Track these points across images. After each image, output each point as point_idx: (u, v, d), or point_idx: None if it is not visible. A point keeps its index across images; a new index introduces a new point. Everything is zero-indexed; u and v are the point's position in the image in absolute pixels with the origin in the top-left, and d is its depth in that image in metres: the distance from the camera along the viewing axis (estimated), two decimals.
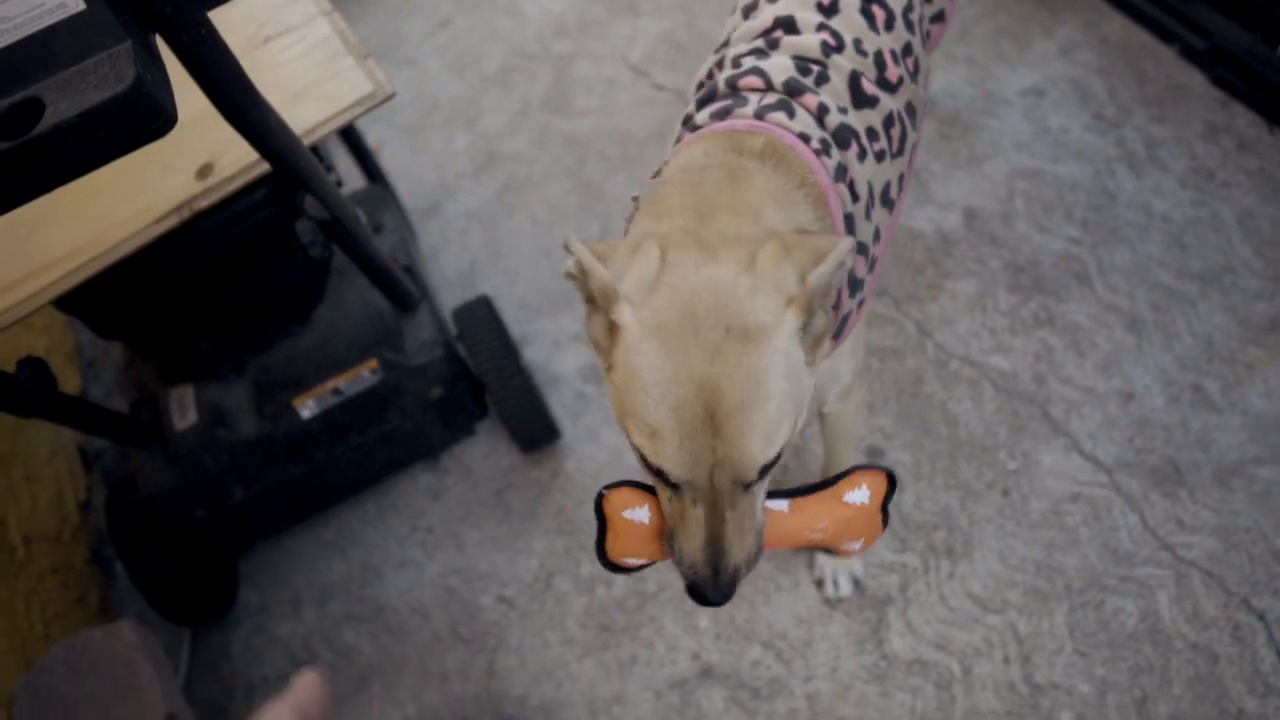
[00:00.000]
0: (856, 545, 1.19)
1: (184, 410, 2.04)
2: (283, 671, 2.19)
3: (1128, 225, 2.35)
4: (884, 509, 1.17)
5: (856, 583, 2.03)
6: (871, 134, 1.36)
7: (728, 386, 1.00)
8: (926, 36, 1.64)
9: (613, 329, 1.07)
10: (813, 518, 1.16)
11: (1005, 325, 2.26)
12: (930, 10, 1.65)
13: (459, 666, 2.11)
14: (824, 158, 1.26)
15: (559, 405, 2.35)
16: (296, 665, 2.19)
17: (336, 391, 1.99)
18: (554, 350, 2.45)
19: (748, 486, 1.07)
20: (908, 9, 1.52)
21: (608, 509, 1.15)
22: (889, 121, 1.39)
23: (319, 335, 2.03)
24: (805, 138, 1.26)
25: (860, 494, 1.16)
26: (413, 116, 3.05)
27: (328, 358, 2.01)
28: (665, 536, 1.14)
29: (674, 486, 1.08)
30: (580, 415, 2.34)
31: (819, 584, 2.04)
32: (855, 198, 1.30)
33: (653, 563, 1.19)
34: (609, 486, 1.16)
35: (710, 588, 1.10)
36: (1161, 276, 2.27)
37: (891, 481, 1.16)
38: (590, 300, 1.09)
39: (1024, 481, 2.07)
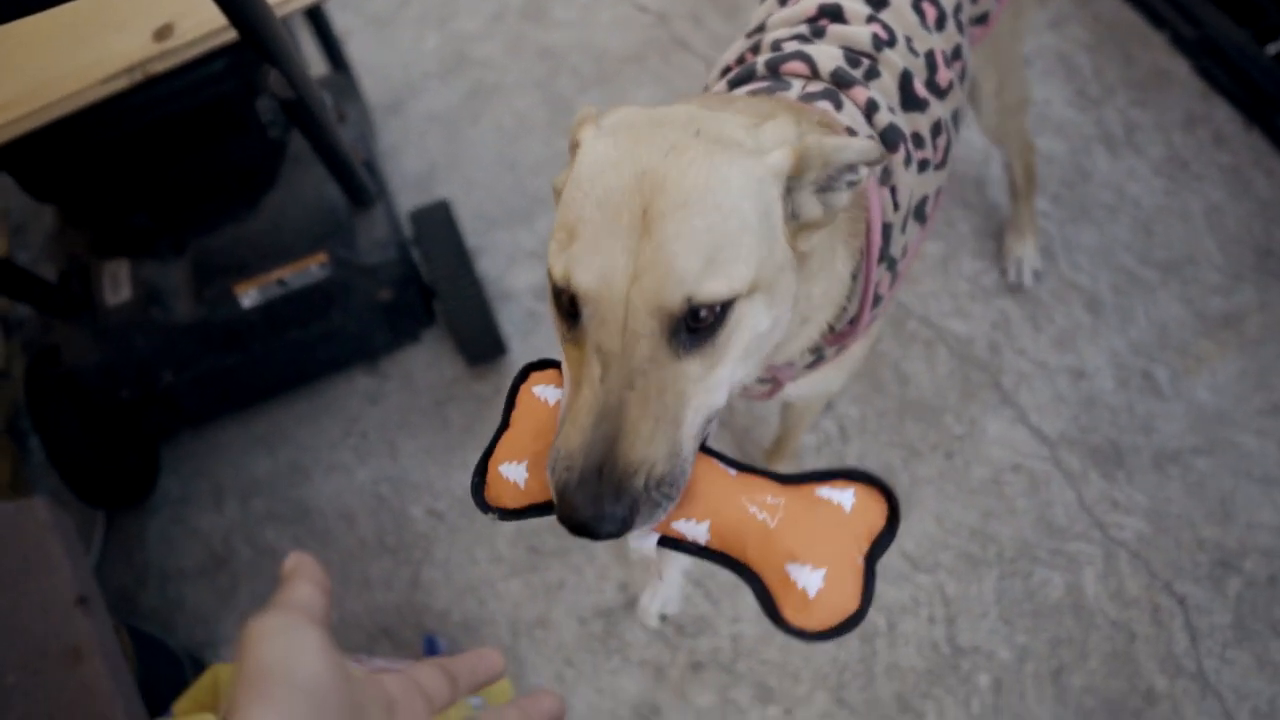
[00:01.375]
0: (809, 578, 0.73)
1: (117, 285, 1.94)
2: (200, 564, 2.14)
3: (1098, 205, 2.34)
4: (870, 561, 0.75)
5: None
6: (917, 140, 1.24)
7: (674, 179, 0.82)
8: None
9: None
10: (761, 489, 0.79)
11: (966, 290, 2.25)
12: (975, 11, 1.49)
13: (383, 576, 2.07)
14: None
15: (509, 322, 2.29)
16: (215, 558, 2.14)
17: (281, 283, 1.91)
18: (508, 265, 2.39)
19: (674, 339, 0.82)
20: (958, 9, 1.39)
21: (521, 389, 0.90)
22: (936, 130, 1.27)
23: (267, 222, 1.94)
24: (852, 133, 1.13)
25: (841, 495, 0.77)
26: (384, 7, 2.93)
27: (275, 247, 1.92)
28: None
29: (574, 326, 0.85)
30: (529, 334, 2.29)
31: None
32: (896, 206, 1.17)
33: (536, 507, 0.84)
34: (537, 363, 0.92)
35: (586, 493, 0.76)
36: (1125, 260, 2.27)
37: (893, 515, 0.76)
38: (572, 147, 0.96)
39: (968, 447, 2.08)
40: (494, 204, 2.48)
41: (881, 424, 2.11)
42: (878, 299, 1.21)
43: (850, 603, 0.73)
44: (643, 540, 0.81)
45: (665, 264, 0.80)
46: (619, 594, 1.99)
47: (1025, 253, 2.22)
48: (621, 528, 0.77)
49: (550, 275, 0.86)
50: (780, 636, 1.91)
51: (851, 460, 2.07)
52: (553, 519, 0.81)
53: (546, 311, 2.30)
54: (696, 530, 0.79)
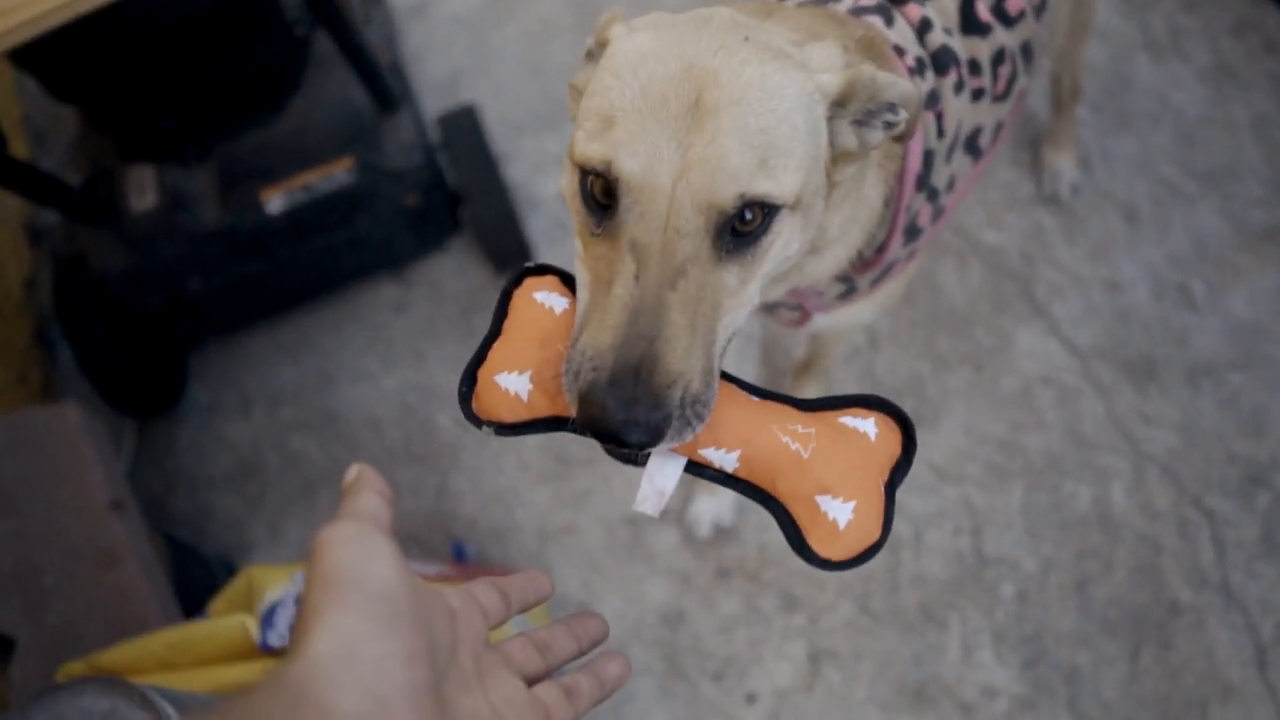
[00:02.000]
0: (840, 511, 0.73)
1: (142, 191, 1.93)
2: (229, 471, 2.16)
3: (1139, 114, 2.28)
4: (890, 489, 0.76)
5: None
6: (974, 67, 1.16)
7: (728, 75, 0.77)
8: None
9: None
10: (790, 416, 0.77)
11: (1000, 200, 2.20)
12: None
13: (410, 483, 2.09)
14: (916, 78, 1.08)
15: (535, 230, 2.27)
16: (243, 466, 2.16)
17: (307, 188, 1.89)
18: (535, 172, 2.35)
19: (719, 240, 0.77)
20: None
21: (516, 294, 0.83)
22: (998, 58, 1.19)
23: (292, 126, 1.91)
24: (900, 51, 1.08)
25: (864, 424, 0.77)
26: None
27: (300, 151, 1.90)
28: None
29: (606, 218, 0.79)
30: (556, 243, 2.26)
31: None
32: (941, 133, 1.11)
33: (536, 423, 0.79)
34: (533, 267, 0.85)
35: (619, 395, 0.70)
36: (1165, 171, 2.21)
37: (909, 442, 0.78)
38: (589, 54, 0.93)
39: (998, 359, 2.05)
40: (520, 109, 2.44)
41: (912, 335, 2.08)
42: (916, 231, 1.16)
43: (873, 532, 0.73)
44: (666, 463, 0.77)
45: (719, 158, 0.75)
46: None
47: (1063, 165, 2.17)
48: (652, 438, 0.71)
49: (576, 161, 0.81)
50: None
51: (881, 371, 2.05)
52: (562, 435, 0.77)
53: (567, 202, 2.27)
54: (725, 459, 0.76)
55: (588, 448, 2.05)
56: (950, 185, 1.18)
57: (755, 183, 0.77)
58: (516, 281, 0.84)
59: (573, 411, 0.75)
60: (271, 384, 2.24)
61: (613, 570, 1.95)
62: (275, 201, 1.89)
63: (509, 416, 0.78)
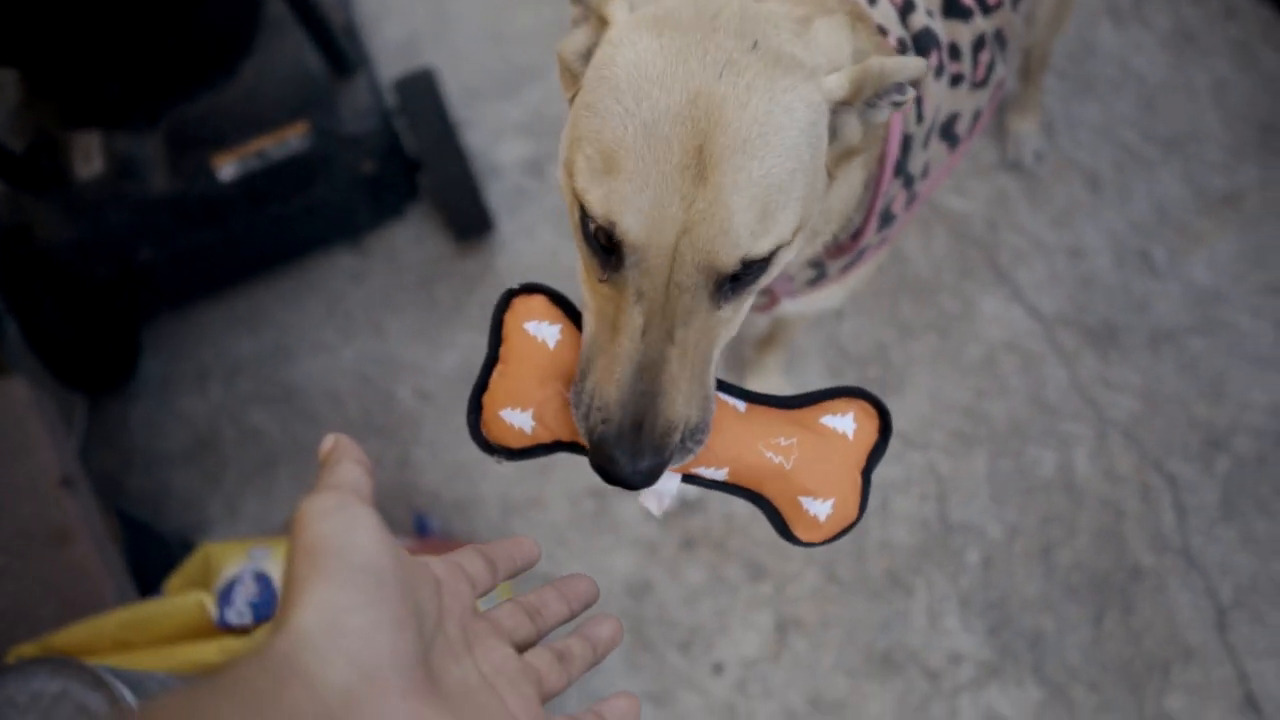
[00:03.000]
0: (820, 508, 0.81)
1: (88, 158, 1.86)
2: (186, 447, 2.11)
3: (1102, 80, 2.28)
4: (866, 473, 0.83)
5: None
6: (954, 51, 1.13)
7: (733, 110, 0.75)
8: None
9: (598, 34, 0.84)
10: (773, 429, 0.82)
11: (965, 167, 2.20)
12: None
13: (371, 456, 2.01)
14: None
15: (496, 197, 2.23)
16: (200, 441, 2.11)
17: (260, 154, 1.84)
18: (495, 139, 2.31)
19: (717, 292, 0.80)
20: None
21: (508, 319, 0.83)
22: (979, 44, 1.16)
23: (244, 91, 1.85)
24: (883, 31, 1.03)
25: (843, 423, 0.82)
26: None
27: (253, 116, 1.84)
28: (572, 380, 0.82)
29: (610, 267, 0.80)
30: (517, 210, 2.23)
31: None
32: (920, 118, 1.08)
33: (541, 447, 0.82)
34: (520, 288, 0.84)
35: (626, 448, 0.76)
36: (1127, 136, 2.21)
37: (885, 428, 0.83)
38: (575, 20, 0.89)
39: (962, 325, 2.05)
40: (479, 76, 2.39)
41: (877, 303, 2.08)
42: (890, 217, 1.14)
43: (850, 514, 0.81)
44: (665, 481, 0.82)
45: (722, 219, 0.75)
46: None
47: (1027, 131, 2.16)
48: (654, 479, 0.78)
49: (577, 196, 0.80)
50: None
51: (846, 339, 2.04)
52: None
53: (536, 187, 2.24)
54: (715, 473, 0.82)
55: None
56: (925, 172, 1.16)
57: (757, 244, 0.78)
58: (506, 304, 0.84)
59: (583, 442, 0.80)
60: (227, 357, 2.19)
61: (578, 542, 1.93)
62: (228, 168, 1.84)
63: (515, 444, 0.82)
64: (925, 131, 1.11)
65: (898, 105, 0.86)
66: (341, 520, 0.55)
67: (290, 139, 1.83)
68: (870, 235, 1.12)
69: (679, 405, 0.77)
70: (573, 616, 0.73)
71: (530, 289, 0.84)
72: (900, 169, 1.09)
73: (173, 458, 2.11)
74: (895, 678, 1.81)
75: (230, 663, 0.50)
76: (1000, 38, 1.23)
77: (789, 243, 0.82)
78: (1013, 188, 2.17)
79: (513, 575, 0.72)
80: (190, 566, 1.54)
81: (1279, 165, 2.17)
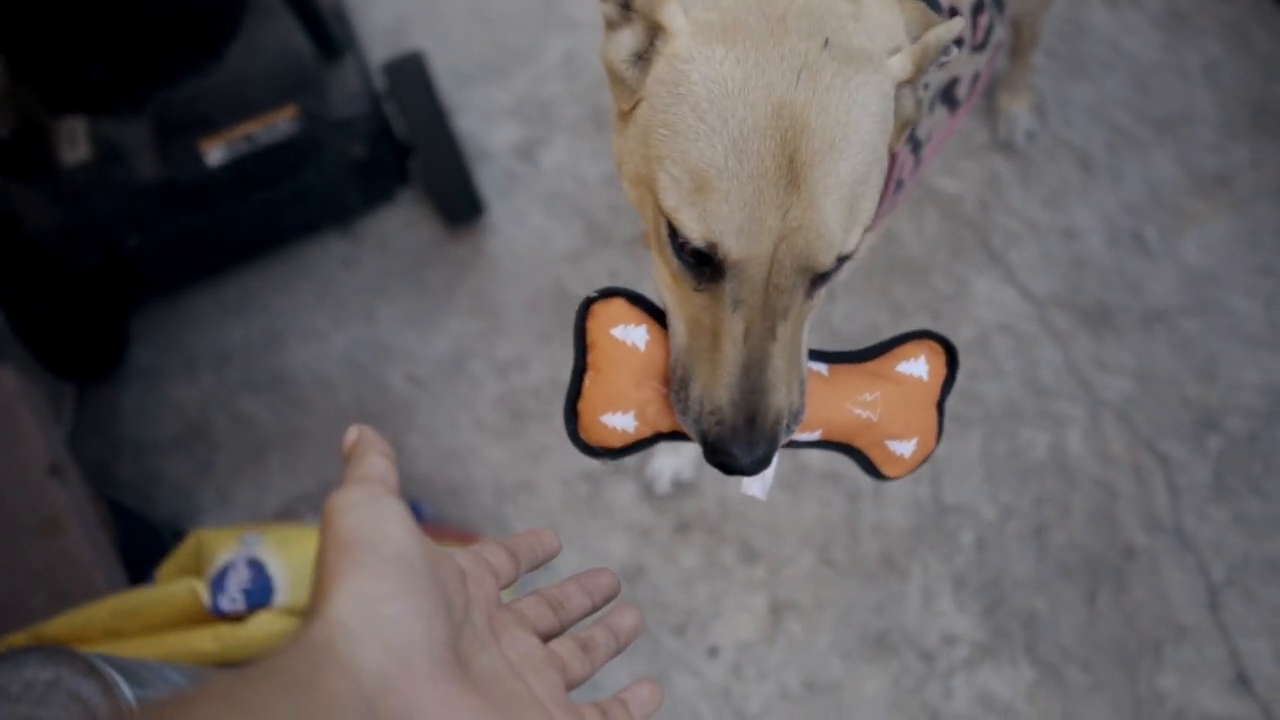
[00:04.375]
0: (905, 448, 0.88)
1: (74, 143, 1.84)
2: (176, 435, 2.10)
3: (1094, 61, 2.27)
4: (941, 404, 0.89)
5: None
6: (953, 14, 1.10)
7: (817, 118, 0.76)
8: None
9: (651, 42, 0.82)
10: (857, 386, 0.86)
11: (957, 147, 2.19)
12: None
13: None
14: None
15: (486, 182, 2.21)
16: (190, 429, 2.10)
17: (248, 139, 1.82)
18: (485, 123, 2.29)
19: (812, 287, 0.82)
20: None
21: (591, 326, 0.83)
22: (978, 7, 1.15)
23: (232, 75, 1.83)
24: None
25: (917, 366, 0.88)
26: None
27: (240, 101, 1.83)
28: (670, 381, 0.84)
29: (706, 279, 0.81)
30: (508, 194, 2.21)
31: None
32: (925, 84, 1.07)
33: (642, 442, 0.86)
34: (597, 295, 0.85)
35: (742, 442, 0.79)
36: (1119, 117, 2.21)
37: (953, 361, 0.89)
38: (611, 22, 0.86)
39: (955, 307, 2.05)
40: (469, 60, 2.37)
41: (868, 283, 2.07)
42: (899, 184, 1.13)
43: (930, 444, 0.89)
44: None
45: (818, 225, 0.77)
46: None
47: (1018, 111, 2.16)
48: (767, 464, 0.82)
49: (667, 218, 0.81)
50: (767, 499, 1.90)
51: (838, 321, 2.04)
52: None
53: (526, 171, 2.23)
54: (810, 436, 0.88)
55: (543, 404, 2.02)
56: (929, 136, 1.16)
57: (849, 240, 0.80)
58: (585, 311, 0.85)
59: (690, 437, 0.84)
60: (217, 344, 2.17)
61: (571, 526, 1.93)
62: (216, 153, 1.82)
63: (617, 444, 0.85)
64: (931, 96, 1.11)
65: (943, 65, 0.87)
66: (371, 513, 0.58)
67: (279, 123, 1.82)
68: (886, 201, 1.11)
69: (784, 396, 0.80)
70: (595, 609, 0.75)
71: (607, 293, 0.85)
72: (910, 135, 1.09)
73: (163, 446, 2.10)
74: (890, 659, 1.81)
75: (267, 652, 0.51)
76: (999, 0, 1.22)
77: (870, 228, 0.84)
78: (1005, 169, 2.16)
79: (535, 567, 0.74)
80: (182, 553, 1.53)
81: (1271, 146, 2.17)
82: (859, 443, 0.88)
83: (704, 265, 0.80)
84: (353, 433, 0.65)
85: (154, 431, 2.11)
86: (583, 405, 0.83)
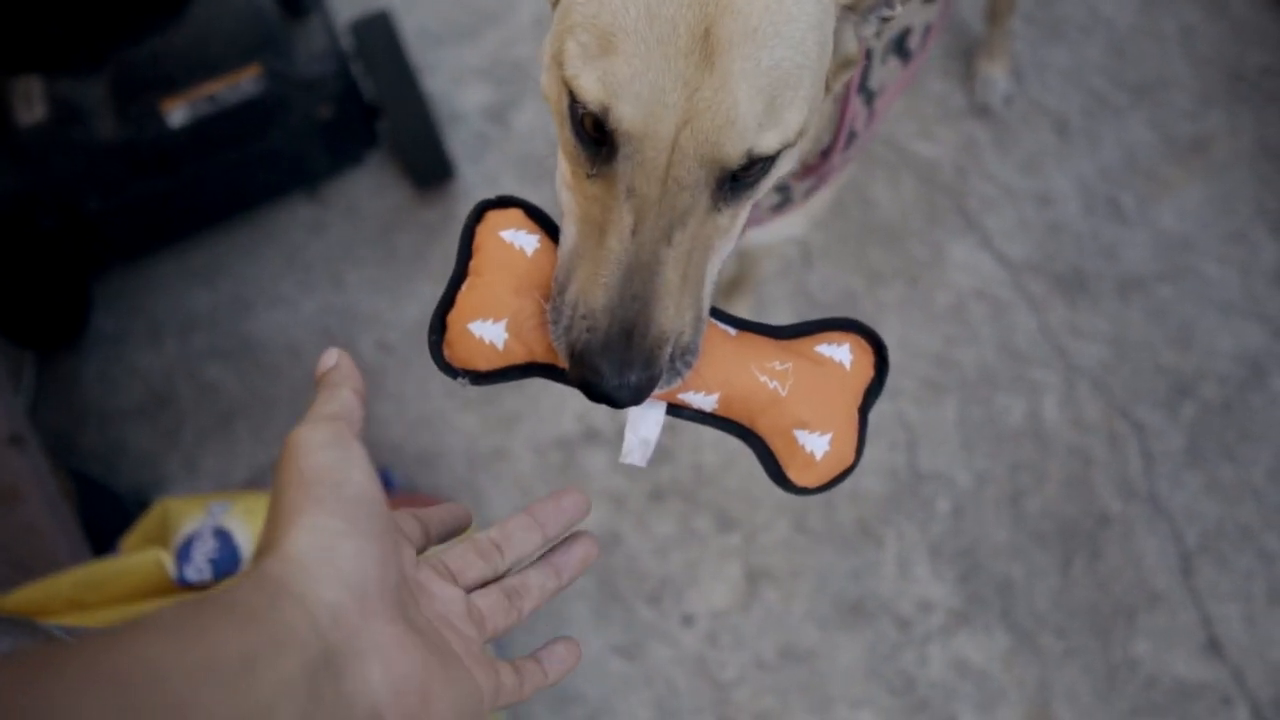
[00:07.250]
0: (817, 444, 0.74)
1: (29, 103, 1.79)
2: (140, 403, 2.05)
3: (1071, 25, 2.25)
4: (864, 412, 0.77)
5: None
6: None
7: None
8: None
9: None
10: (766, 353, 0.76)
11: (933, 113, 2.17)
12: None
13: None
14: None
15: (457, 145, 2.17)
16: (155, 398, 2.05)
17: (211, 99, 1.77)
18: (455, 84, 2.24)
19: (718, 191, 0.74)
20: None
21: (480, 230, 0.77)
22: None
23: (194, 32, 1.78)
24: None
25: (839, 352, 0.76)
26: None
27: (203, 59, 1.77)
28: (551, 290, 0.75)
29: (601, 160, 0.73)
30: (479, 158, 2.17)
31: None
32: (877, 33, 1.07)
33: (512, 369, 0.75)
34: (494, 201, 0.78)
35: (613, 359, 0.69)
36: (1096, 82, 2.20)
37: (881, 363, 0.77)
38: None
39: (932, 272, 2.04)
40: (437, 20, 2.32)
41: (844, 249, 2.05)
42: (853, 135, 1.10)
43: (847, 457, 0.75)
44: (648, 412, 0.76)
45: (728, 109, 0.69)
46: (577, 424, 1.95)
47: (996, 75, 2.14)
48: (642, 397, 0.71)
49: (566, 83, 0.73)
50: (742, 466, 1.89)
51: (814, 287, 2.02)
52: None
53: (497, 134, 2.19)
54: (705, 400, 0.76)
55: None
56: (881, 88, 1.13)
57: (763, 137, 0.72)
58: (478, 217, 0.77)
59: (562, 362, 0.73)
60: (183, 311, 2.13)
61: (544, 493, 1.90)
62: (178, 113, 1.77)
63: (484, 365, 0.75)
64: (882, 47, 1.08)
65: (886, 20, 0.83)
66: (337, 454, 0.57)
67: (242, 82, 1.77)
68: (838, 153, 1.09)
69: (672, 314, 0.71)
70: (548, 542, 0.72)
71: (506, 201, 0.78)
72: (862, 85, 1.07)
73: (127, 414, 2.05)
74: (865, 627, 1.81)
75: (223, 586, 0.52)
76: None
77: (792, 145, 0.76)
78: (981, 134, 2.15)
79: (445, 539, 0.72)
80: (148, 523, 1.49)
81: (1246, 112, 2.16)
82: (761, 425, 0.76)
83: (600, 146, 0.73)
84: (331, 356, 0.64)
85: (118, 400, 2.07)
86: (452, 316, 0.74)
